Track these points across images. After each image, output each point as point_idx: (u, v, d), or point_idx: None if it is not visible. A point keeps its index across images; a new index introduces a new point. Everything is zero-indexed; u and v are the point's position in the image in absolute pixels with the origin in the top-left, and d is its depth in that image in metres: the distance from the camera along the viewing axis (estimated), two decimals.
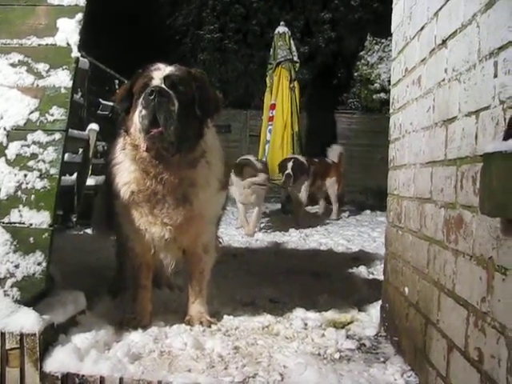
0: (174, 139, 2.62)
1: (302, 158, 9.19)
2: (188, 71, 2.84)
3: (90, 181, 6.91)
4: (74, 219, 6.62)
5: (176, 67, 2.79)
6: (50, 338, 2.36)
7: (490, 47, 1.63)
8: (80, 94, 7.14)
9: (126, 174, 2.83)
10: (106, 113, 8.99)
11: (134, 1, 13.17)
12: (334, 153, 10.33)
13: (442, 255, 2.04)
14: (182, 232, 2.91)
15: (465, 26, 1.86)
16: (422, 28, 2.43)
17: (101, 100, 9.25)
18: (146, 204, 2.82)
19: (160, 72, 2.71)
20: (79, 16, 2.77)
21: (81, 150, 6.66)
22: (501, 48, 1.55)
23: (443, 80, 2.10)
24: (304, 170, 8.86)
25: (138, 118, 2.63)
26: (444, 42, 2.09)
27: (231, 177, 6.90)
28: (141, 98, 2.63)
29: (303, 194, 8.92)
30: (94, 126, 6.83)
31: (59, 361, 2.28)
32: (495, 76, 1.59)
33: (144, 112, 2.59)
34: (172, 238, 2.90)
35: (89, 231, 6.51)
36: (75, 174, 6.59)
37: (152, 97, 2.57)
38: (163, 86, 2.64)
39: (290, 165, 8.70)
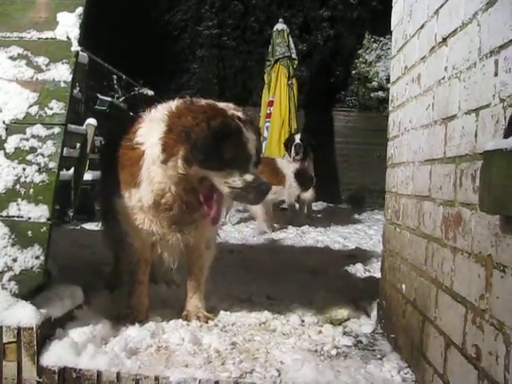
0: None
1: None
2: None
3: (87, 176, 6.92)
4: (71, 214, 6.61)
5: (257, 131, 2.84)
6: (48, 332, 2.36)
7: (491, 46, 1.63)
8: (78, 88, 7.12)
9: (154, 182, 2.74)
10: (104, 108, 8.99)
11: None
12: None
13: (440, 253, 2.05)
14: (192, 231, 2.94)
15: (465, 24, 1.86)
16: (422, 26, 2.43)
17: (98, 95, 9.25)
18: (163, 215, 2.81)
19: (255, 142, 2.72)
20: (79, 10, 2.76)
21: (78, 145, 6.66)
22: (501, 46, 1.55)
23: (443, 78, 2.10)
24: (311, 147, 8.51)
25: (234, 192, 2.67)
26: (444, 40, 2.09)
27: None
28: (246, 183, 2.66)
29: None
30: (91, 121, 6.83)
31: (56, 355, 2.28)
32: (496, 74, 1.59)
33: (246, 196, 2.69)
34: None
35: (85, 226, 6.54)
36: (72, 169, 6.60)
37: (262, 191, 2.71)
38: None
39: (297, 136, 8.41)
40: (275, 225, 7.70)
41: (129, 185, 2.80)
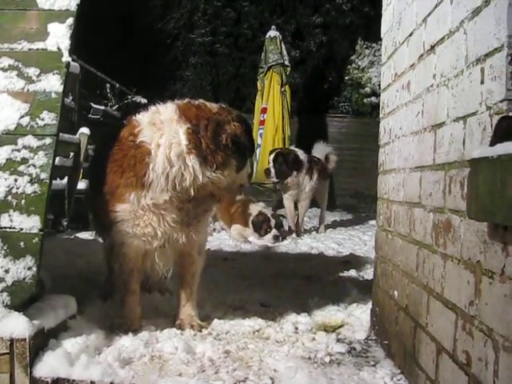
0: None
1: (296, 151, 7.87)
2: None
3: (81, 185, 6.91)
4: (65, 223, 6.60)
5: None
6: (41, 342, 2.35)
7: (477, 54, 1.65)
8: (71, 97, 7.12)
9: (178, 180, 2.72)
10: (97, 117, 8.98)
11: (124, 3, 13.14)
12: (320, 153, 8.76)
13: (430, 259, 2.06)
14: (195, 225, 2.97)
15: (453, 32, 1.88)
16: (411, 34, 2.45)
17: (92, 104, 9.25)
18: (176, 209, 2.81)
19: None
20: (70, 21, 2.76)
21: (72, 154, 6.65)
22: (487, 55, 1.57)
23: (432, 85, 2.12)
24: (294, 163, 7.53)
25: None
26: (432, 47, 2.11)
27: None
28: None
29: (304, 199, 7.99)
30: (84, 130, 6.82)
31: (49, 366, 2.27)
32: (482, 82, 1.61)
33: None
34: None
35: (79, 235, 6.52)
36: (66, 178, 6.59)
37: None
38: None
39: (270, 158, 7.52)
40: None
41: (133, 187, 2.72)
